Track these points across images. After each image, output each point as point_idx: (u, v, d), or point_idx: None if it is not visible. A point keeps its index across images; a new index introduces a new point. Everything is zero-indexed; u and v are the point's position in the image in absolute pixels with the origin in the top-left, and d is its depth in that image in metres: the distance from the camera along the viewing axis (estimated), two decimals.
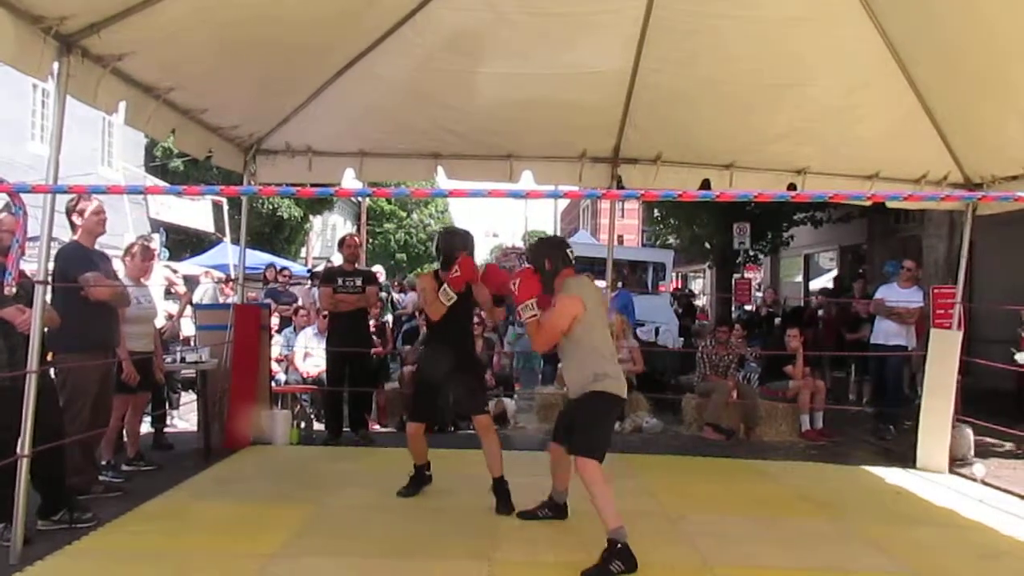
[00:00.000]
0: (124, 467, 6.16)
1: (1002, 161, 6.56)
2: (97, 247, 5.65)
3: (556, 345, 4.63)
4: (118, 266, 6.49)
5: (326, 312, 8.08)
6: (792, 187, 7.31)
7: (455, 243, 5.44)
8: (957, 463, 7.07)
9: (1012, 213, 7.11)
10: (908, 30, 5.67)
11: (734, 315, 14.71)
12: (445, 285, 5.16)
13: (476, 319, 9.31)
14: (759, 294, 18.00)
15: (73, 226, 5.43)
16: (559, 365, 9.44)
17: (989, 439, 7.85)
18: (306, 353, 8.81)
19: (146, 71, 5.29)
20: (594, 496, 4.28)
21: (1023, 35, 4.99)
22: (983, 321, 10.15)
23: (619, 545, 4.19)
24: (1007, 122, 6.01)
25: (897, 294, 8.51)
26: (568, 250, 4.76)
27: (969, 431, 7.37)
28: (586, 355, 4.52)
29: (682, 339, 13.00)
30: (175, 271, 9.78)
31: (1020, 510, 5.84)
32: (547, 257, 4.67)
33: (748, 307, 15.86)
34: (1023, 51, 5.14)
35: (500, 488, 5.31)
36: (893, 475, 6.81)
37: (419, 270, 41.76)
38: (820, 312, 11.73)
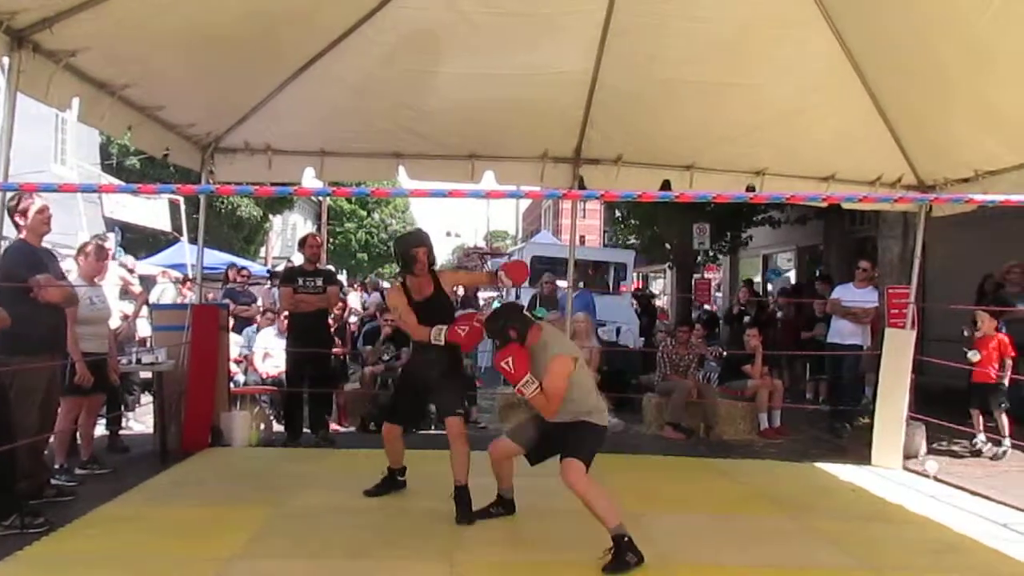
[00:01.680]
0: (77, 470, 6.03)
1: (954, 164, 6.72)
2: (49, 246, 5.52)
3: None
4: (70, 265, 6.36)
5: (287, 312, 8.00)
6: (751, 188, 7.40)
7: (409, 243, 5.35)
8: (910, 460, 7.21)
9: (964, 214, 7.26)
10: (863, 34, 5.78)
11: (695, 314, 14.83)
12: (443, 329, 5.10)
13: None
14: (719, 294, 18.18)
15: (17, 227, 5.27)
16: None
17: (942, 436, 8.01)
18: (265, 354, 8.72)
19: (100, 67, 5.20)
20: (588, 501, 4.35)
21: (970, 44, 5.11)
22: (936, 320, 10.35)
23: (625, 539, 4.29)
24: (958, 127, 6.16)
25: (853, 294, 8.65)
26: (523, 311, 4.88)
27: (922, 429, 7.52)
28: (578, 396, 4.60)
29: (643, 339, 13.09)
30: (131, 270, 9.60)
31: (971, 505, 5.97)
32: (511, 327, 4.61)
33: (708, 306, 16.00)
34: (971, 59, 5.27)
35: (461, 496, 5.14)
36: (848, 472, 6.92)
37: (380, 270, 41.60)
38: (779, 314, 11.86)
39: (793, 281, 17.17)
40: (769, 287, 13.74)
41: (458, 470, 5.18)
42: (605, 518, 4.32)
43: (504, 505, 5.19)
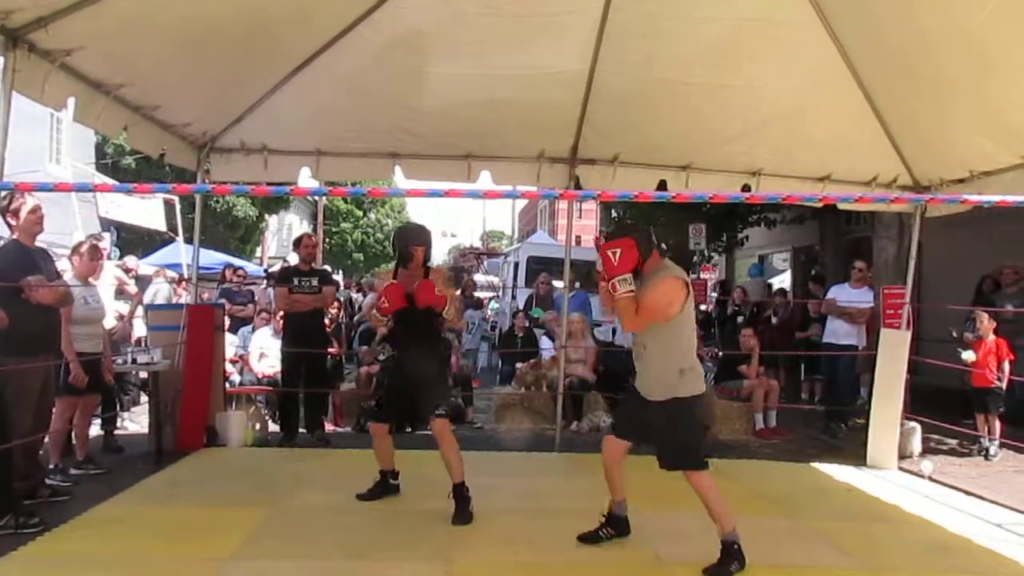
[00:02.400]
0: (72, 471, 6.02)
1: (949, 164, 6.73)
2: (44, 246, 5.50)
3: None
4: (65, 265, 6.35)
5: (282, 312, 7.99)
6: (747, 188, 7.41)
7: (409, 240, 5.32)
8: (905, 460, 7.23)
9: (959, 215, 7.28)
10: (858, 35, 5.79)
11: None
12: (375, 310, 5.16)
13: None
14: (714, 294, 18.18)
15: (9, 227, 5.25)
16: (518, 365, 9.55)
17: (936, 436, 8.03)
18: (261, 354, 8.70)
19: (96, 66, 5.19)
20: (708, 503, 4.32)
21: (966, 44, 5.12)
22: (931, 321, 10.38)
23: (735, 546, 4.26)
24: (953, 127, 6.17)
25: (848, 294, 8.67)
26: (653, 235, 4.46)
27: (917, 429, 7.54)
28: (676, 346, 4.30)
29: None
30: (130, 270, 9.58)
31: (965, 505, 5.99)
32: (635, 238, 4.29)
33: (703, 307, 15.99)
34: (966, 60, 5.29)
35: (459, 495, 5.14)
36: (844, 472, 6.93)
37: (375, 270, 41.54)
38: (773, 317, 11.85)
39: (775, 281, 17.17)
40: (747, 280, 13.80)
41: (451, 469, 5.17)
42: (722, 522, 4.31)
43: (615, 525, 4.72)
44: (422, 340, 5.31)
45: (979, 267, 10.02)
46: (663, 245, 4.45)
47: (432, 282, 5.14)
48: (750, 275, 14.31)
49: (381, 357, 8.84)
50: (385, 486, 5.59)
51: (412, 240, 5.30)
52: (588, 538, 4.66)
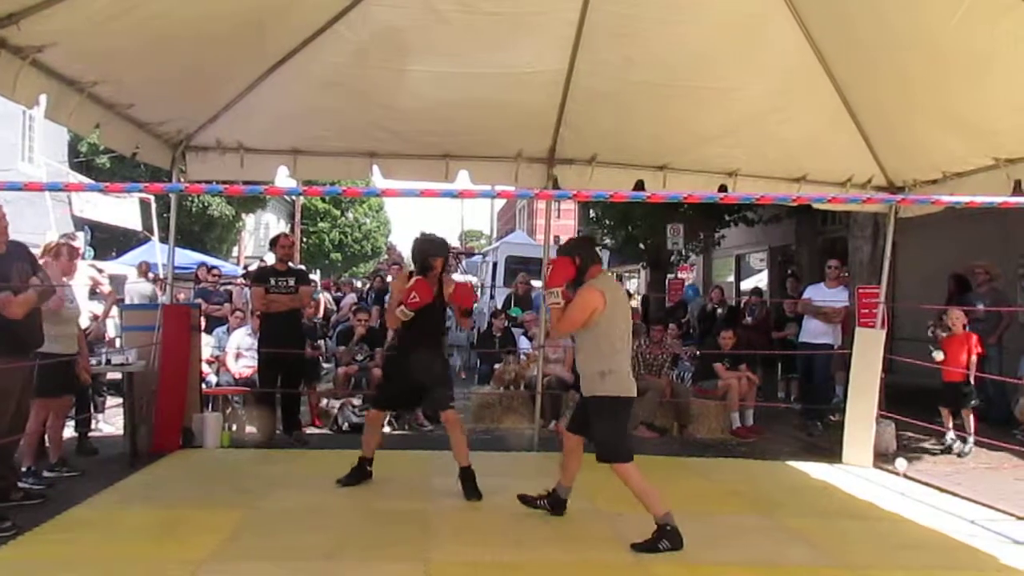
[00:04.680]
0: (46, 473, 5.94)
1: (922, 166, 6.81)
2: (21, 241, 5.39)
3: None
4: None
5: (259, 312, 7.94)
6: (723, 188, 7.45)
7: (430, 252, 5.83)
8: (880, 457, 7.30)
9: (932, 215, 7.36)
10: (834, 38, 5.85)
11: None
12: (403, 305, 5.52)
13: None
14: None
15: None
16: (495, 365, 9.55)
17: (911, 434, 8.12)
18: (238, 354, 8.64)
19: (69, 63, 5.12)
20: (636, 493, 4.65)
21: (938, 48, 5.18)
22: (905, 320, 10.48)
23: (668, 528, 4.54)
24: (927, 129, 6.24)
25: (823, 294, 8.75)
26: (596, 248, 5.04)
27: (892, 427, 7.61)
28: (597, 348, 4.75)
29: None
30: (100, 270, 9.47)
31: (939, 502, 6.06)
32: (576, 255, 4.90)
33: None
34: (939, 63, 5.35)
35: (466, 475, 5.60)
36: (819, 470, 6.99)
37: (353, 269, 41.35)
38: (749, 316, 11.91)
39: (752, 281, 17.23)
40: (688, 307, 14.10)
41: (459, 454, 5.66)
42: (652, 509, 4.60)
43: (553, 502, 5.19)
44: (432, 337, 5.92)
45: (953, 267, 10.14)
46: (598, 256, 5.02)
47: (469, 284, 5.62)
48: (686, 297, 14.57)
49: (359, 358, 8.81)
50: (362, 472, 5.90)
51: (432, 252, 5.84)
52: (525, 500, 5.22)
